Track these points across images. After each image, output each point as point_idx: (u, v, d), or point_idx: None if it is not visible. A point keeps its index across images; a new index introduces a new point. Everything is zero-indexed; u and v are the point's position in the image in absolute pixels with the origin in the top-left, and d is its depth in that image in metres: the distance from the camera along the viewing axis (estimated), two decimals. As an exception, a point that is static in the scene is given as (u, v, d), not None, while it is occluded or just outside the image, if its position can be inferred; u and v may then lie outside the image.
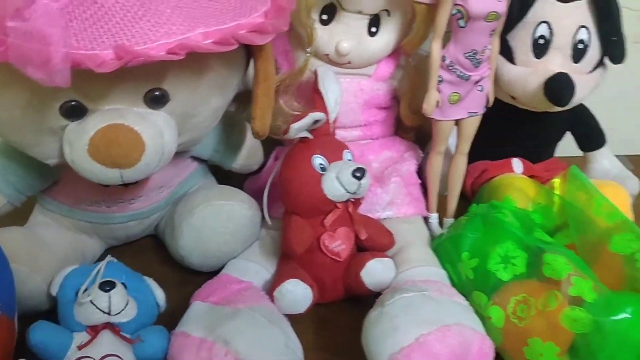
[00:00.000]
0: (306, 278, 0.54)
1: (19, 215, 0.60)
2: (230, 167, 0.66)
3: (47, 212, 0.61)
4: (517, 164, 0.70)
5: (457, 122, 0.62)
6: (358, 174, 0.53)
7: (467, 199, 0.70)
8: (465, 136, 0.63)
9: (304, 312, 0.53)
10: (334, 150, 0.56)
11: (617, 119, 0.75)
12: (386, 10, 0.61)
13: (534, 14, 0.61)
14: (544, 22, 0.61)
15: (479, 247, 0.54)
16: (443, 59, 0.58)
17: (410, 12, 0.61)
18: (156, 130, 0.48)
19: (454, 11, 0.55)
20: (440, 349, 0.44)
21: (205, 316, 0.49)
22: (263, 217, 0.60)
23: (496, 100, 0.64)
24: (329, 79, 0.58)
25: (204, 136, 0.58)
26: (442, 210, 0.67)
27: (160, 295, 0.52)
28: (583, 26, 0.62)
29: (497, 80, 0.63)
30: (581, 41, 0.62)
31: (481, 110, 0.62)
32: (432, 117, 0.61)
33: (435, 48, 0.57)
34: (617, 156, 0.74)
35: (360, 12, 0.60)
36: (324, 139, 0.57)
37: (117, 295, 0.48)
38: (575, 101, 0.61)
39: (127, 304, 0.48)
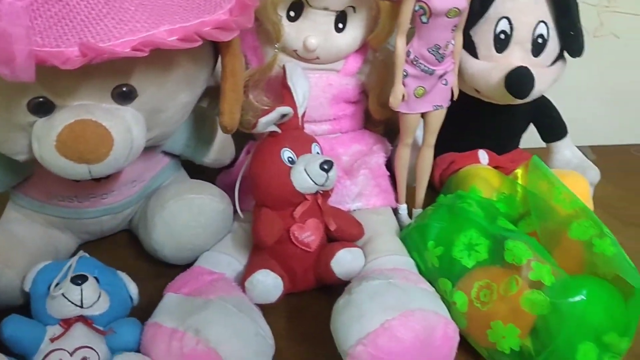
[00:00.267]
0: (277, 268, 0.55)
1: (-9, 212, 0.60)
2: (202, 161, 0.66)
3: (19, 208, 0.60)
4: (482, 155, 0.71)
5: (424, 115, 0.64)
6: (326, 167, 0.54)
7: (436, 189, 0.72)
8: (431, 129, 0.65)
9: (275, 301, 0.54)
10: (303, 144, 0.57)
11: (579, 111, 0.77)
12: (352, 6, 0.62)
13: (495, 9, 0.63)
14: (505, 17, 0.63)
15: (444, 236, 0.56)
16: (408, 53, 0.59)
17: (375, 8, 0.62)
18: (124, 126, 0.49)
19: (417, 7, 0.56)
20: (404, 333, 0.44)
21: (177, 307, 0.49)
22: (235, 211, 0.60)
23: (461, 93, 0.66)
24: (297, 74, 0.59)
25: (173, 131, 0.58)
26: (411, 201, 0.68)
27: (133, 288, 0.52)
28: (542, 21, 0.64)
29: (461, 75, 0.65)
30: (540, 36, 0.64)
31: (446, 104, 0.64)
32: (398, 110, 0.62)
33: (399, 43, 0.59)
34: (580, 147, 0.76)
35: (326, 9, 0.61)
36: (293, 133, 0.57)
37: (89, 289, 0.48)
38: (535, 94, 0.63)
39: (99, 297, 0.48)
